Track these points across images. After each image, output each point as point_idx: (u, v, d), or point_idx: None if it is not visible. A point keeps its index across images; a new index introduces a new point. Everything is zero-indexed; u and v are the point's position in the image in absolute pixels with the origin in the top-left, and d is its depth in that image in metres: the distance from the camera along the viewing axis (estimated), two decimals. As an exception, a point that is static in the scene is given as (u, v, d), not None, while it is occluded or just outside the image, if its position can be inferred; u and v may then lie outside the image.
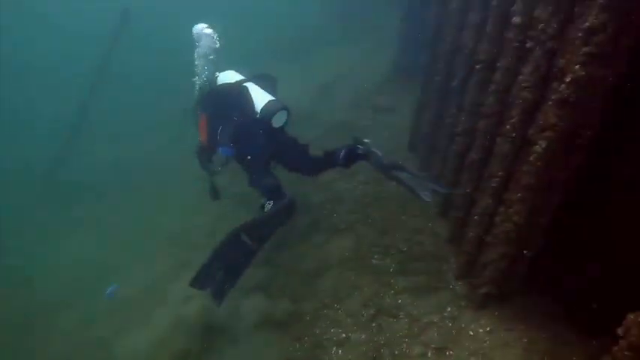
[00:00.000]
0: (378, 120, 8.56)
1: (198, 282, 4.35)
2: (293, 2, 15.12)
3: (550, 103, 3.25)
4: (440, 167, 5.80)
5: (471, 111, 4.79)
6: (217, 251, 4.26)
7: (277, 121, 5.23)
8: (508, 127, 3.89)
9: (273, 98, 5.32)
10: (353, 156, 5.28)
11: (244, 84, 5.42)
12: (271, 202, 4.73)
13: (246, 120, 5.23)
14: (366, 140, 5.26)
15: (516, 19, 3.74)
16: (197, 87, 6.03)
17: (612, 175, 3.22)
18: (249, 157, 5.20)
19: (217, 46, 6.14)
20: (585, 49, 2.86)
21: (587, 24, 2.81)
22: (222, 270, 4.27)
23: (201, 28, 6.20)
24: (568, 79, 3.03)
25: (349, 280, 5.28)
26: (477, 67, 4.57)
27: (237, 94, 5.30)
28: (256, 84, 5.47)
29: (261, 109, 5.17)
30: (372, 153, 5.16)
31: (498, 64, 4.17)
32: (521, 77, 3.71)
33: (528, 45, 3.63)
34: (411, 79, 8.33)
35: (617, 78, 2.91)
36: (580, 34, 2.87)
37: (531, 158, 3.51)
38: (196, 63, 6.08)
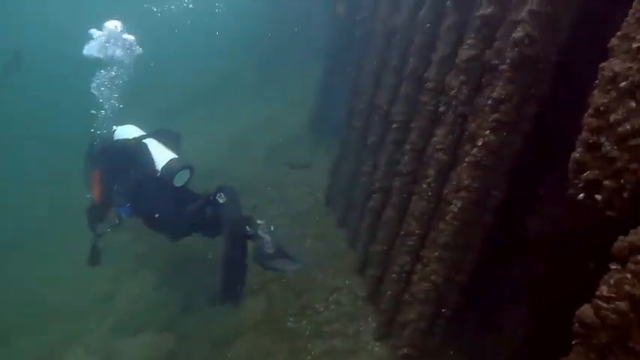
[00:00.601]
0: (294, 175, 8.49)
1: (227, 299, 4.66)
2: (208, 51, 14.98)
3: (464, 165, 3.35)
4: (356, 224, 5.79)
5: (388, 169, 4.88)
6: (226, 261, 4.56)
7: (179, 180, 4.91)
8: (424, 185, 3.97)
9: (176, 156, 4.99)
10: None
11: (144, 140, 5.06)
12: (221, 194, 4.85)
13: (145, 178, 4.88)
14: (259, 222, 5.03)
15: (430, 84, 3.93)
16: (99, 121, 5.46)
17: (523, 233, 3.35)
18: (156, 216, 4.82)
19: (130, 70, 5.16)
20: (494, 116, 3.01)
21: (495, 94, 2.97)
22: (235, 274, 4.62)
23: (113, 33, 4.98)
24: (480, 143, 3.15)
25: (263, 346, 4.89)
26: (393, 126, 4.71)
27: (136, 152, 4.95)
28: (158, 140, 5.13)
29: (163, 168, 4.82)
30: (259, 239, 4.86)
31: (413, 125, 4.32)
32: (435, 139, 3.85)
33: (441, 109, 3.81)
34: (328, 135, 8.50)
35: (524, 143, 3.08)
36: (489, 102, 3.03)
37: (447, 217, 3.56)
38: (99, 91, 5.24)
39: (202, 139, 10.43)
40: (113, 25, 4.86)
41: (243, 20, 14.24)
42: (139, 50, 4.99)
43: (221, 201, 4.78)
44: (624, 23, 2.11)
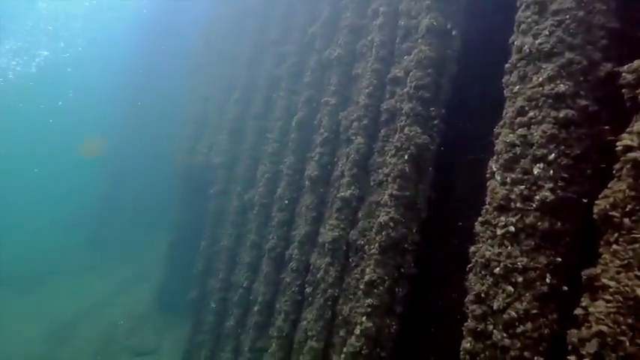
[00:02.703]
0: (137, 366, 7.04)
1: None
2: (26, 217, 13.03)
3: (342, 355, 2.94)
4: None
5: (252, 358, 4.21)
6: None
7: None
8: (297, 381, 3.40)
9: None
10: None
11: None
12: None
13: None
14: None
15: (293, 264, 3.66)
16: None
17: None
18: None
19: None
20: (368, 301, 2.77)
21: (366, 278, 2.78)
22: None
23: None
24: (357, 332, 2.83)
25: None
26: (255, 308, 4.20)
27: None
28: None
29: None
30: None
31: (278, 307, 3.89)
32: (304, 324, 3.43)
33: (307, 290, 3.49)
34: (178, 313, 7.46)
35: (401, 326, 2.84)
36: (362, 287, 2.81)
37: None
38: None
39: (16, 325, 8.38)
40: None
41: (78, 187, 13.19)
42: None
43: None
44: (484, 210, 2.17)
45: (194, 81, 7.32)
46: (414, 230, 2.79)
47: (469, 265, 2.16)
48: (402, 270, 2.81)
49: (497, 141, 2.19)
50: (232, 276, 4.94)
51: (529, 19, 2.14)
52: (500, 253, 1.98)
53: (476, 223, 2.16)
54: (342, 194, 3.15)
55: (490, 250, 2.02)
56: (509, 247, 1.95)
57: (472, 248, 2.16)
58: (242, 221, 4.92)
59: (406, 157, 2.74)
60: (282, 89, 4.68)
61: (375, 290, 2.77)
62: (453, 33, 2.85)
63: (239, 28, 5.97)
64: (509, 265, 1.92)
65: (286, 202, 4.04)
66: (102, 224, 12.22)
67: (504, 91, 2.24)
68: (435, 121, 2.81)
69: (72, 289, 10.13)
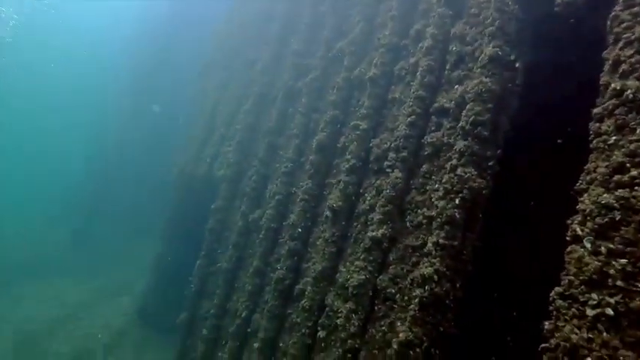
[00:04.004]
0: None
1: None
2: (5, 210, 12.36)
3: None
4: None
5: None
6: None
7: None
8: None
9: None
10: None
11: None
12: None
13: None
14: None
15: (305, 303, 3.26)
16: None
17: None
18: None
19: None
20: (400, 363, 2.40)
21: (401, 336, 2.42)
22: None
23: None
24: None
25: None
26: (255, 345, 3.78)
27: None
28: None
29: None
30: None
31: (282, 346, 3.49)
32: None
33: (321, 334, 3.09)
34: (161, 330, 6.99)
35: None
36: (395, 347, 2.44)
37: None
38: None
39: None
40: None
41: (68, 183, 12.60)
42: None
43: None
44: (565, 281, 1.82)
45: (203, 83, 6.91)
46: (458, 285, 2.44)
47: (543, 345, 1.80)
48: (442, 329, 2.45)
49: (582, 199, 1.85)
50: (229, 302, 4.52)
51: (632, 59, 1.82)
52: (591, 340, 1.63)
53: (552, 295, 1.81)
54: (373, 233, 2.79)
55: (577, 334, 1.67)
56: (604, 334, 1.60)
57: (546, 325, 1.80)
58: (245, 243, 4.52)
59: (457, 201, 2.40)
60: (302, 105, 4.32)
61: (411, 352, 2.40)
62: (517, 65, 2.53)
63: (258, 32, 5.60)
64: (606, 358, 1.57)
65: (299, 230, 3.66)
66: (88, 224, 11.63)
67: (592, 140, 1.91)
68: (491, 163, 2.48)
69: (40, 293, 9.45)
